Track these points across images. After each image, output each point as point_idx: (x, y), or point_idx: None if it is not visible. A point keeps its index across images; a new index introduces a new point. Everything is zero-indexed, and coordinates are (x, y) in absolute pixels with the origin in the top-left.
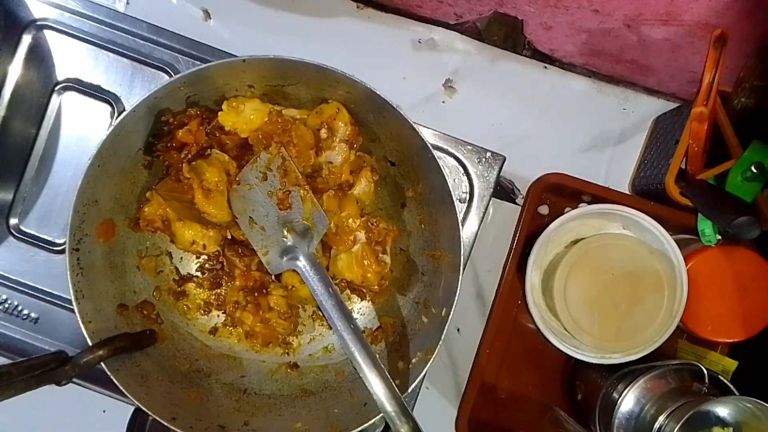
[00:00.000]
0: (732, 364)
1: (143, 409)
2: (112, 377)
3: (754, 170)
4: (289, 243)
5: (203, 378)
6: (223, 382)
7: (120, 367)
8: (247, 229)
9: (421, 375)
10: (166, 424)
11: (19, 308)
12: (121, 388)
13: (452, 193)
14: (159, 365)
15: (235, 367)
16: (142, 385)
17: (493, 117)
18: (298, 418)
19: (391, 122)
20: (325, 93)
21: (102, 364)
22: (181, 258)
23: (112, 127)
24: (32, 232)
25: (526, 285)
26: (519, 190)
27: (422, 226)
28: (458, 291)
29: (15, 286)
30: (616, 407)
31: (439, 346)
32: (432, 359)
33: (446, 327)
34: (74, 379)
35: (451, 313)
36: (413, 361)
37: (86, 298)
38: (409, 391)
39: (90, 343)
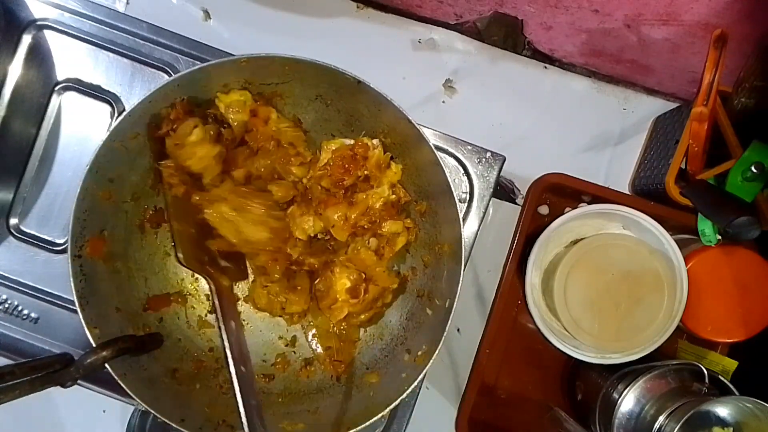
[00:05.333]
0: (732, 364)
1: (152, 412)
2: (120, 382)
3: (754, 170)
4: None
5: (211, 378)
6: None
7: (127, 372)
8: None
9: (424, 370)
10: (175, 426)
11: (19, 308)
12: (129, 392)
13: (451, 183)
14: (166, 368)
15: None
16: (150, 388)
17: (493, 117)
18: (305, 416)
19: (386, 116)
20: (321, 90)
21: (109, 368)
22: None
23: (108, 133)
24: (32, 232)
25: (526, 285)
26: (519, 190)
27: (423, 218)
28: (461, 281)
29: (15, 286)
30: (616, 407)
31: (444, 337)
32: (437, 350)
33: (450, 318)
34: None
35: (455, 303)
36: (419, 353)
37: (90, 304)
38: (410, 390)
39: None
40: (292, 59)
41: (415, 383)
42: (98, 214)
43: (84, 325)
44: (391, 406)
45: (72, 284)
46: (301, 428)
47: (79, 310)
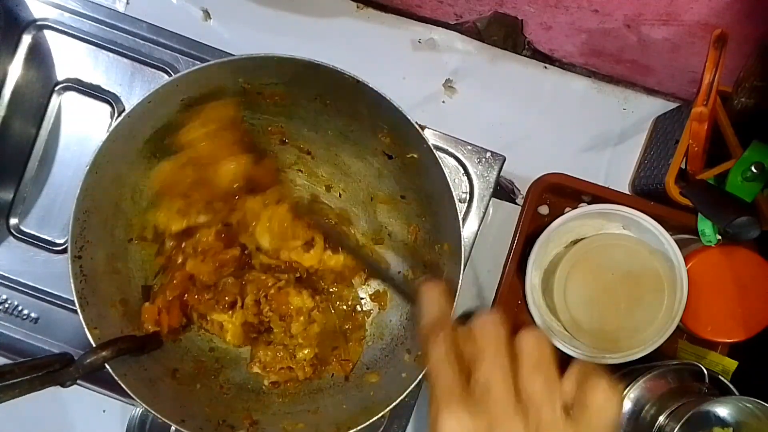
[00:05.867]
0: (732, 364)
1: (153, 413)
2: (120, 382)
3: (754, 170)
4: None
5: (211, 379)
6: (231, 383)
7: (127, 372)
8: None
9: (425, 370)
10: (175, 426)
11: (19, 308)
12: (129, 393)
13: (450, 183)
14: (166, 368)
15: (243, 367)
16: (151, 389)
17: (493, 117)
18: (305, 416)
19: (386, 115)
20: (320, 90)
21: (109, 368)
22: None
23: (108, 133)
24: (32, 232)
25: (526, 285)
26: (519, 190)
27: (422, 218)
28: (461, 281)
29: (15, 286)
30: None
31: None
32: None
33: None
34: None
35: (455, 303)
36: (419, 353)
37: (90, 304)
38: (410, 390)
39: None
40: (291, 59)
41: (416, 383)
42: (98, 214)
43: (84, 325)
44: (391, 406)
45: (72, 285)
46: (302, 428)
47: (79, 310)
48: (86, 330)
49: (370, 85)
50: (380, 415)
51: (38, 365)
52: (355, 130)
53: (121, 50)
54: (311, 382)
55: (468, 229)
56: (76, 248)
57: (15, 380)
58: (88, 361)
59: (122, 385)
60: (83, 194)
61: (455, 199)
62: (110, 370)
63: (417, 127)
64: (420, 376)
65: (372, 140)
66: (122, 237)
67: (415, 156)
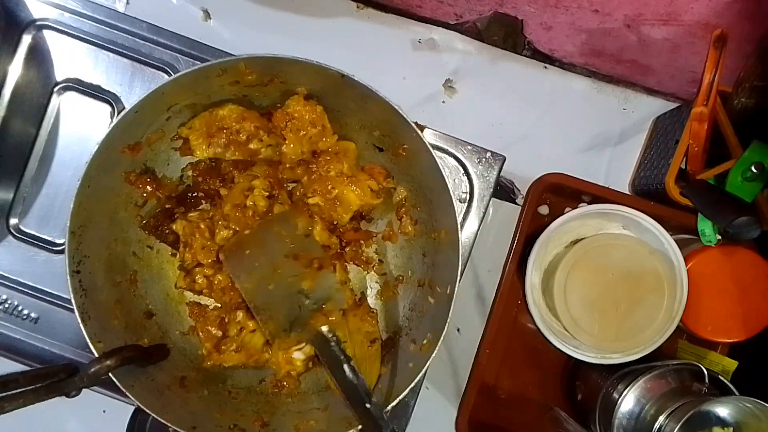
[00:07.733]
0: (732, 364)
1: (163, 422)
2: (128, 394)
3: (754, 170)
4: (302, 311)
5: (219, 385)
6: (239, 387)
7: (135, 383)
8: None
9: (430, 358)
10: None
11: (19, 308)
12: (138, 403)
13: (442, 170)
14: (173, 376)
15: (249, 371)
16: (160, 398)
17: (493, 117)
18: (315, 414)
19: (374, 108)
20: (307, 85)
21: (115, 379)
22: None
23: (96, 146)
24: (32, 232)
25: (526, 285)
26: (519, 190)
27: (418, 208)
28: (460, 266)
29: (15, 286)
30: (616, 407)
31: (447, 324)
32: (442, 337)
33: (452, 304)
34: None
35: (456, 289)
36: (424, 342)
37: (92, 318)
38: (409, 390)
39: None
40: (286, 58)
41: (423, 371)
42: (94, 227)
43: (87, 339)
44: (401, 396)
45: (73, 300)
46: (313, 425)
47: (81, 325)
48: (90, 344)
49: (357, 79)
50: (390, 407)
51: (43, 375)
52: (344, 125)
53: (121, 50)
54: (317, 380)
55: (468, 229)
56: (74, 263)
57: (19, 390)
58: (93, 370)
59: (130, 396)
60: (77, 209)
61: (448, 184)
62: (117, 381)
63: (405, 117)
64: (427, 365)
65: (362, 134)
66: (119, 249)
67: (406, 146)
